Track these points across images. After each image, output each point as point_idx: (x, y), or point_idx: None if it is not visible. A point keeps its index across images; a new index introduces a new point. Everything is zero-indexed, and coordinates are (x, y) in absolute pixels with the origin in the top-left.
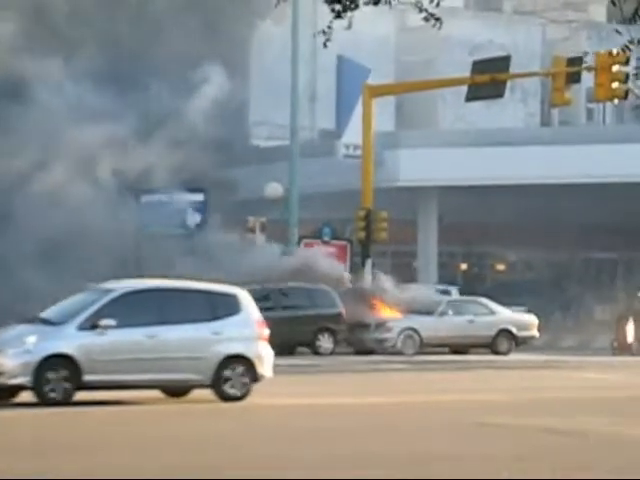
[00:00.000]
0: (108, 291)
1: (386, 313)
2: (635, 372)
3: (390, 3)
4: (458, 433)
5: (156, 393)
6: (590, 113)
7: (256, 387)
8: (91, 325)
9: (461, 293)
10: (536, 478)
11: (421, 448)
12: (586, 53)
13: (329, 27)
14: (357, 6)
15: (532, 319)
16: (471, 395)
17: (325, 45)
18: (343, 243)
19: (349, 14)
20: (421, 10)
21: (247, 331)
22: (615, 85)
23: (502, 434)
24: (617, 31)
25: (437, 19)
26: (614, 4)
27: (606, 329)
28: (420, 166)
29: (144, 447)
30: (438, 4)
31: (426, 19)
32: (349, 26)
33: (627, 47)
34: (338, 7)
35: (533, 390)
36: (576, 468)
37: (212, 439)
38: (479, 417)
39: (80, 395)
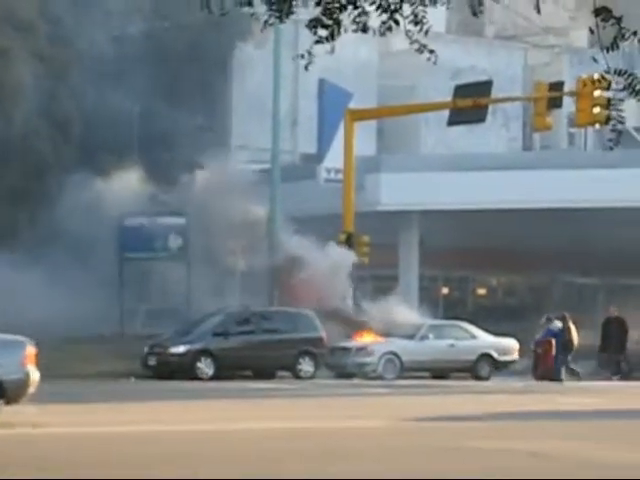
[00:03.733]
0: None
1: (367, 337)
2: (613, 397)
3: (382, 33)
4: (430, 456)
5: None
6: (572, 138)
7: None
8: None
9: (442, 317)
10: None
11: (385, 470)
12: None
13: (309, 52)
14: (339, 33)
15: (513, 343)
16: (450, 419)
17: (307, 68)
18: None
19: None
20: (412, 42)
21: None
22: (596, 110)
23: (474, 457)
24: (594, 59)
25: (431, 51)
26: (592, 32)
27: (586, 353)
28: (401, 190)
29: None
30: (427, 33)
31: (420, 51)
32: (332, 51)
33: (602, 77)
34: (323, 32)
35: (509, 415)
36: None
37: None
38: (454, 441)
39: None
